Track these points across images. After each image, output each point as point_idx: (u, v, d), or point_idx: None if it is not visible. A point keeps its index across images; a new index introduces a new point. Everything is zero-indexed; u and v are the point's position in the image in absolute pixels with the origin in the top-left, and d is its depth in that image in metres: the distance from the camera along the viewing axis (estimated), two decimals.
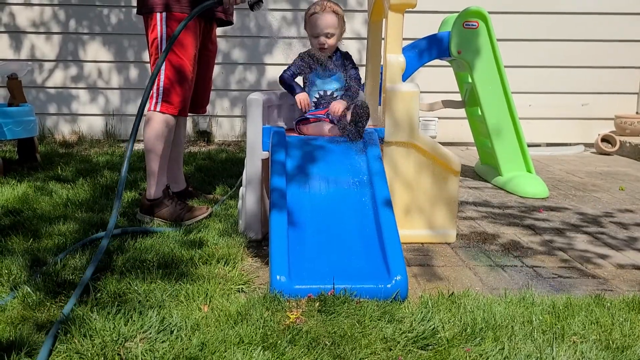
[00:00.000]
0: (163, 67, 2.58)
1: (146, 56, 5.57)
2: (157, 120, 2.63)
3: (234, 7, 2.67)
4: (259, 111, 2.38)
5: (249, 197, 2.44)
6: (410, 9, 2.41)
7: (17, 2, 5.46)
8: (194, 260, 2.10)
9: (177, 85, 2.61)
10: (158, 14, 2.60)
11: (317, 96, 2.64)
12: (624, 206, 3.29)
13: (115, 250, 2.19)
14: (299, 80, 2.72)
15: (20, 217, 2.62)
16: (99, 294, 1.78)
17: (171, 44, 2.39)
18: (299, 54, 2.69)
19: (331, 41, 2.56)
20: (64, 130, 5.66)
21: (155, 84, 2.61)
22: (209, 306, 1.73)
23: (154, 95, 2.62)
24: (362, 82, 2.73)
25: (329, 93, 2.63)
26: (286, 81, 2.66)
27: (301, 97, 2.58)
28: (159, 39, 2.60)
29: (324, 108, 2.60)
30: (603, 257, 2.39)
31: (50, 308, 1.69)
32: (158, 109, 2.61)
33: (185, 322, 1.60)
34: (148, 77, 5.59)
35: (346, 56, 2.67)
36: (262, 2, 2.46)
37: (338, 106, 2.48)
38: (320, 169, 2.22)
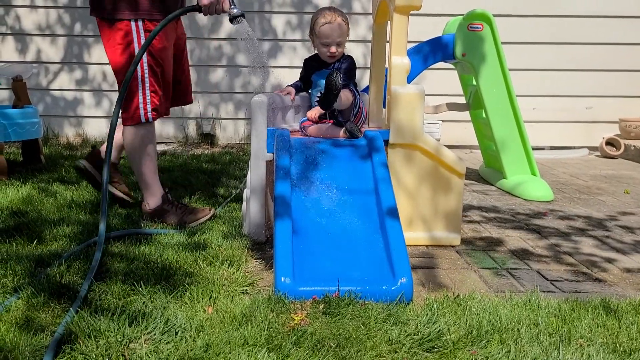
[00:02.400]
0: (147, 75, 2.50)
1: None
2: (143, 129, 2.55)
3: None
4: (264, 113, 2.38)
5: (253, 200, 2.43)
6: (415, 11, 2.41)
7: (23, 4, 5.48)
8: (198, 262, 2.10)
9: (162, 92, 2.55)
10: (133, 22, 2.45)
11: (319, 95, 2.67)
12: (629, 209, 3.27)
13: (119, 252, 2.19)
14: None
15: (24, 219, 2.62)
16: (103, 296, 1.78)
17: (145, 49, 2.31)
18: (304, 60, 2.83)
19: (341, 49, 2.67)
20: (69, 133, 5.67)
21: (141, 92, 2.51)
22: (213, 307, 1.72)
23: (141, 105, 2.51)
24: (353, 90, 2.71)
25: None
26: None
27: (285, 88, 2.78)
28: (136, 47, 2.47)
29: None
30: (609, 260, 2.37)
31: (54, 309, 1.69)
32: (145, 119, 2.52)
33: (190, 324, 1.59)
34: None
35: (348, 62, 2.72)
36: (244, 18, 2.42)
37: (313, 113, 2.56)
38: (324, 173, 2.22)
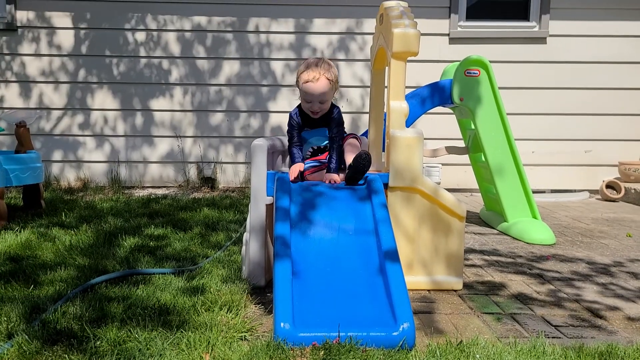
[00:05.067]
0: None
1: (154, 103, 5.67)
2: None
3: None
4: (264, 156, 2.39)
5: (252, 243, 2.41)
6: (412, 57, 2.45)
7: (28, 52, 5.60)
8: (196, 307, 2.06)
9: None
10: None
11: (311, 150, 2.61)
12: (632, 253, 3.24)
13: (116, 296, 2.15)
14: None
15: (21, 264, 2.60)
16: (98, 342, 1.74)
17: None
18: (290, 115, 2.57)
19: (324, 106, 2.49)
20: (69, 177, 5.69)
21: None
22: (210, 355, 1.68)
23: None
24: (343, 135, 2.57)
25: (322, 147, 2.60)
26: (291, 152, 2.58)
27: (292, 169, 2.47)
28: None
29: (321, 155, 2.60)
30: (614, 307, 2.33)
31: (47, 357, 1.65)
32: None
33: None
34: (154, 123, 5.69)
35: (335, 114, 2.53)
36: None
37: (334, 179, 2.43)
38: (324, 215, 2.21)
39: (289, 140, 2.60)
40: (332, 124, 2.53)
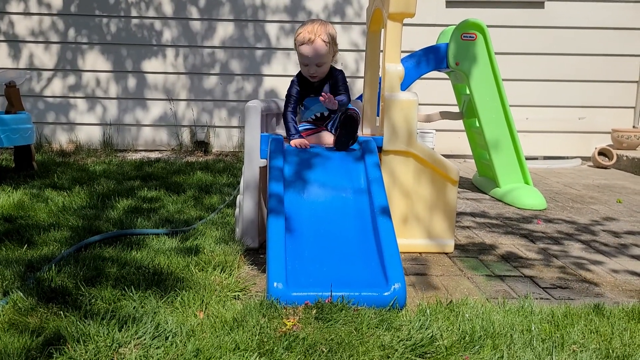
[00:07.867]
0: None
1: (146, 66, 5.59)
2: None
3: None
4: (258, 118, 2.37)
5: (246, 204, 2.42)
6: (409, 21, 2.42)
7: (16, 11, 5.48)
8: (190, 267, 2.08)
9: None
10: None
11: (314, 117, 2.56)
12: (621, 217, 3.28)
13: (110, 257, 2.16)
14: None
15: (15, 224, 2.60)
16: (93, 300, 1.76)
17: None
18: (292, 81, 2.53)
19: (322, 69, 2.44)
20: (61, 139, 5.65)
21: None
22: (204, 313, 1.71)
23: None
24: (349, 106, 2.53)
25: (326, 114, 2.54)
26: (286, 120, 2.51)
27: (297, 142, 2.40)
28: None
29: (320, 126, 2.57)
30: (600, 265, 2.38)
31: (42, 314, 1.67)
32: None
33: (181, 329, 1.57)
34: (147, 86, 5.62)
35: (340, 78, 2.50)
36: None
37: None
38: (318, 175, 2.21)
39: (285, 105, 2.53)
40: (337, 89, 2.47)
